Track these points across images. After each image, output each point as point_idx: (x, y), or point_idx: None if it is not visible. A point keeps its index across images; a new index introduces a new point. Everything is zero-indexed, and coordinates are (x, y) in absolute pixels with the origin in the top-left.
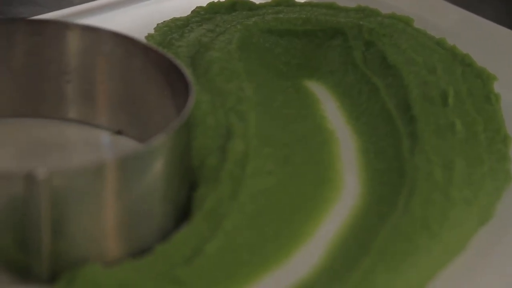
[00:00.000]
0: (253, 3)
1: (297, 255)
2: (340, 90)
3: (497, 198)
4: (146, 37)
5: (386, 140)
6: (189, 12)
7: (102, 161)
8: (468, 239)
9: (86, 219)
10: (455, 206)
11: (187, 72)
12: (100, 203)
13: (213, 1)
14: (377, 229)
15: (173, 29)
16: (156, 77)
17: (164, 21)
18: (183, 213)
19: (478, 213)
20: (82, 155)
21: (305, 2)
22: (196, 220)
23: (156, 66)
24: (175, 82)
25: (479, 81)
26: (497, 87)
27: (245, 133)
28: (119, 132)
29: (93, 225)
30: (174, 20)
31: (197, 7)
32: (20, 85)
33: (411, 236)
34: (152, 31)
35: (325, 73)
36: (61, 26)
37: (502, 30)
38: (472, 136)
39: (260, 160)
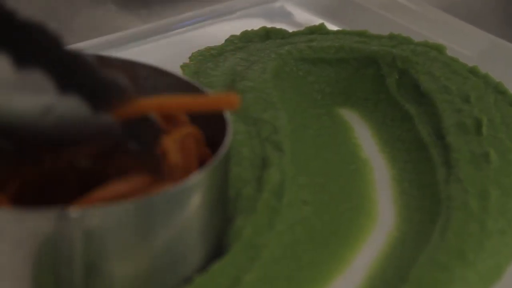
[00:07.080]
0: (286, 32)
1: (334, 284)
2: (373, 118)
3: None
4: (181, 66)
5: (420, 168)
6: (222, 41)
7: (136, 199)
8: (503, 268)
9: (121, 257)
10: (490, 235)
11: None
12: (135, 241)
13: (247, 30)
14: (414, 257)
15: (207, 58)
16: None
17: (198, 50)
18: (221, 244)
19: None
20: None
21: (337, 30)
22: (234, 251)
23: None
24: (211, 114)
25: None
26: None
27: (280, 163)
28: None
29: (128, 263)
30: (208, 49)
31: (230, 36)
32: None
33: (447, 265)
34: (187, 60)
35: (358, 101)
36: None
37: None
38: (506, 165)
39: (296, 190)
